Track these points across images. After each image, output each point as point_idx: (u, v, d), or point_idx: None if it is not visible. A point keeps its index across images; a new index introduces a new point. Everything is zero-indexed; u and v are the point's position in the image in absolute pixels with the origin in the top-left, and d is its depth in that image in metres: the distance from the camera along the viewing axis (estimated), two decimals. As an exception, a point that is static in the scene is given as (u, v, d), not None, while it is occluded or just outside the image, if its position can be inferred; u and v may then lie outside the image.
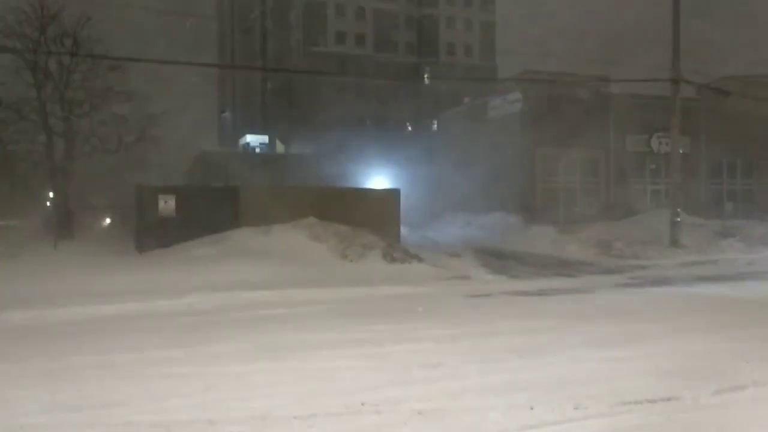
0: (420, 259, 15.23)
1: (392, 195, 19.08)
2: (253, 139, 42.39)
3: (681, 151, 22.22)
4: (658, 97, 24.00)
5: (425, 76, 48.23)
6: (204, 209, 15.31)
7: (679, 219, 20.66)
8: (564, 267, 16.51)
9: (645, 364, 5.98)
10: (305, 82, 44.29)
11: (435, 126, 40.30)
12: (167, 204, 15.08)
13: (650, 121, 26.06)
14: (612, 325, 8.12)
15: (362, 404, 4.71)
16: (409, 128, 48.55)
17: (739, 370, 5.69)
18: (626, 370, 5.81)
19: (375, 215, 16.71)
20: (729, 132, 26.57)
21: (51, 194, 21.74)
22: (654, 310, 9.72)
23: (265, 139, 42.49)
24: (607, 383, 5.30)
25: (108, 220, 26.13)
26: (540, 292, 11.85)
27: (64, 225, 19.08)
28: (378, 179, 30.48)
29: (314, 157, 33.28)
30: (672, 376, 5.54)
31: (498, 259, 17.51)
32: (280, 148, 41.95)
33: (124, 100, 20.88)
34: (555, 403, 4.72)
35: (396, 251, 15.22)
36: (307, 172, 27.75)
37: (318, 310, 9.72)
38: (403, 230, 18.37)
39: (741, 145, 27.23)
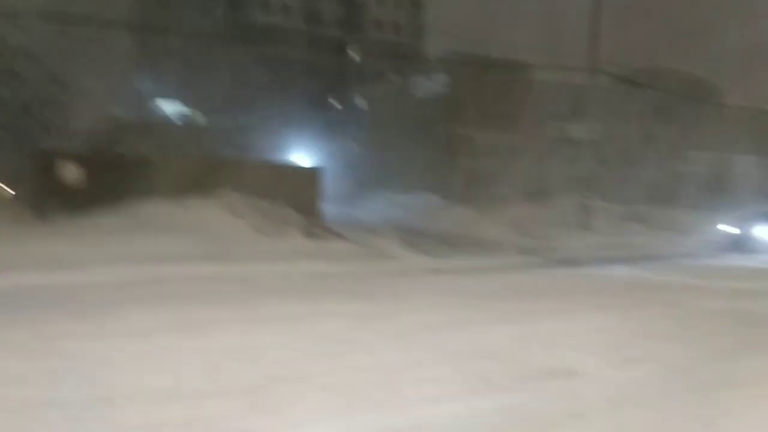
0: (341, 237, 15.13)
1: (314, 171, 18.83)
2: (171, 108, 40.52)
3: (595, 138, 23.26)
4: (577, 85, 24.92)
5: (351, 52, 47.73)
6: (114, 179, 14.45)
7: (590, 203, 21.70)
8: (482, 247, 16.93)
9: (549, 340, 6.20)
10: (228, 52, 42.65)
11: (360, 103, 40.09)
12: (72, 171, 14.13)
13: (568, 107, 27.05)
14: (523, 303, 8.39)
15: (270, 379, 4.59)
16: (335, 104, 48.04)
17: (633, 346, 6.01)
18: (534, 345, 5.99)
19: (296, 191, 16.41)
20: (637, 120, 28.07)
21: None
22: (563, 289, 10.12)
23: (183, 108, 40.73)
24: (516, 358, 5.44)
25: (8, 189, 24.22)
26: (458, 271, 12.08)
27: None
28: (301, 155, 30.02)
29: (235, 130, 32.28)
30: (574, 351, 5.76)
31: (419, 238, 17.70)
32: (199, 118, 40.37)
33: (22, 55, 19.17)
34: (464, 378, 4.79)
35: (317, 228, 15.05)
36: (228, 145, 26.89)
37: (231, 286, 9.45)
38: (325, 207, 18.20)
39: (648, 132, 28.84)
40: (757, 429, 3.94)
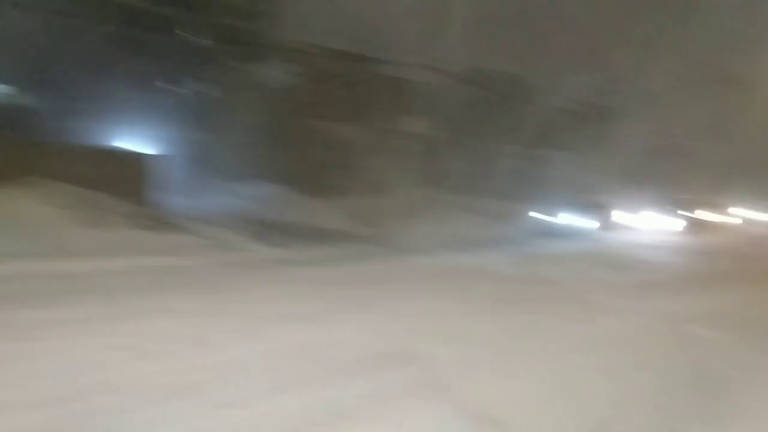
0: (178, 228, 14.33)
1: (148, 158, 17.58)
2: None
3: (432, 133, 24.54)
4: (419, 80, 26.03)
5: (196, 35, 45.04)
6: None
7: (426, 194, 22.91)
8: (326, 237, 17.08)
9: (398, 324, 6.46)
10: (54, 28, 38.07)
11: (205, 89, 38.03)
12: None
13: (410, 101, 28.16)
14: (365, 290, 8.62)
15: (85, 388, 4.25)
16: (177, 89, 45.07)
17: (459, 326, 6.49)
18: (377, 330, 6.19)
19: (126, 179, 15.21)
20: (466, 116, 30.10)
21: None
22: (400, 276, 10.57)
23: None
24: (359, 343, 5.59)
25: None
26: (302, 261, 12.06)
27: None
28: (135, 141, 27.83)
29: (59, 111, 29.00)
30: (417, 334, 6.07)
31: (264, 228, 17.38)
32: (15, 98, 35.54)
33: None
34: (299, 368, 4.82)
35: (150, 219, 14.10)
36: (49, 127, 24.04)
37: (47, 285, 8.51)
38: (162, 197, 17.12)
39: (476, 127, 31.08)
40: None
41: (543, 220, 21.01)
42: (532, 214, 21.90)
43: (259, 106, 26.95)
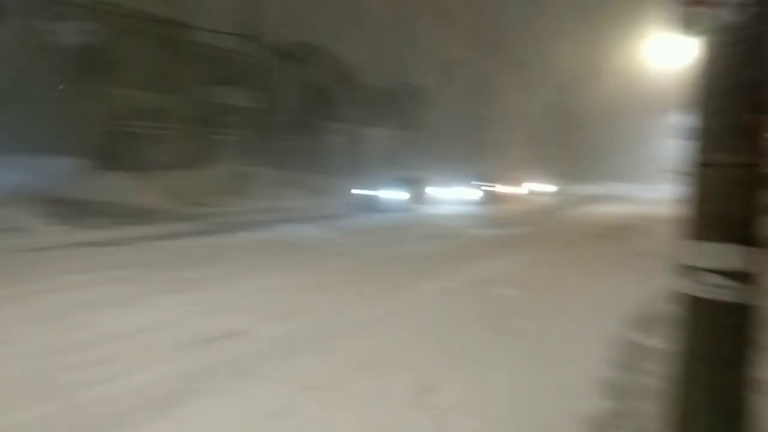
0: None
1: None
2: None
3: (256, 105, 24.00)
4: (238, 51, 25.12)
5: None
6: None
7: (249, 169, 22.46)
8: (139, 215, 16.04)
9: (219, 304, 6.38)
10: None
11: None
12: None
13: (229, 72, 27.10)
14: (186, 271, 8.30)
15: None
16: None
17: (300, 300, 6.61)
18: (208, 312, 6.07)
19: None
20: (294, 91, 29.94)
21: None
22: (225, 254, 10.34)
23: None
24: (175, 328, 5.44)
25: None
26: (113, 242, 11.21)
27: None
28: None
29: None
30: (243, 312, 6.06)
31: (64, 207, 15.75)
32: None
33: None
34: (116, 357, 4.61)
35: None
36: None
37: None
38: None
39: (302, 104, 31.03)
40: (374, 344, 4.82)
41: (364, 194, 21.86)
42: (354, 189, 22.64)
43: (54, 69, 24.06)
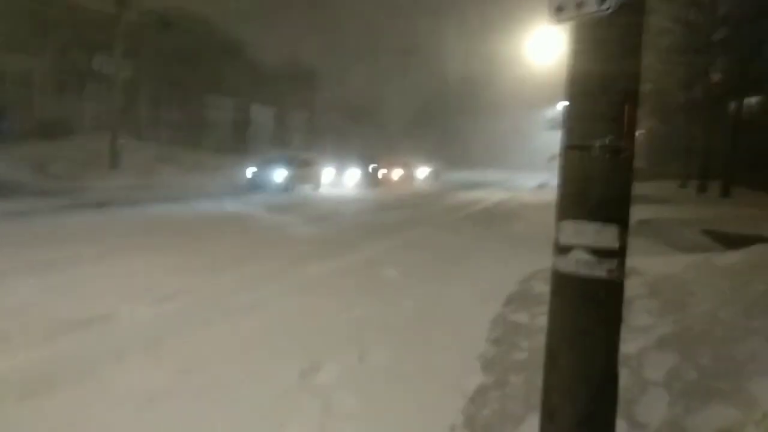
0: None
1: None
2: None
3: (124, 74, 22.35)
4: (103, 13, 23.17)
5: None
6: None
7: (120, 142, 20.95)
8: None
9: (85, 287, 5.90)
10: None
11: None
12: None
13: (94, 37, 24.99)
14: (48, 251, 7.62)
15: None
16: None
17: (171, 283, 6.27)
18: (74, 294, 5.59)
19: None
20: (170, 61, 28.21)
21: None
22: (95, 232, 9.63)
23: None
24: (41, 311, 4.99)
25: None
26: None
27: None
28: None
29: None
30: (111, 294, 5.65)
31: None
32: None
33: None
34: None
35: None
36: None
37: None
38: None
39: (179, 75, 29.36)
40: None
41: (249, 173, 21.26)
42: (237, 167, 21.92)
43: None
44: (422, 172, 37.61)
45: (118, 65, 21.39)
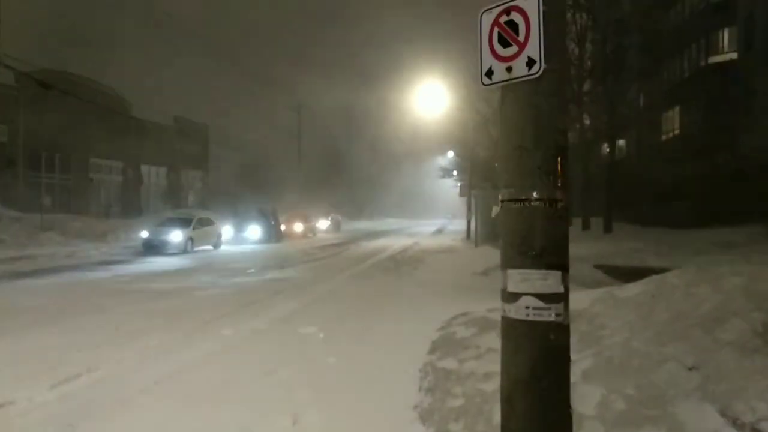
0: None
1: None
2: None
3: (1, 139, 20.77)
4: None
5: None
6: None
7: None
8: None
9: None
10: None
11: None
12: None
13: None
14: None
15: None
16: None
17: (71, 360, 5.76)
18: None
19: None
20: (50, 125, 26.58)
21: None
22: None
23: None
24: None
25: None
26: None
27: None
28: None
29: None
30: (3, 379, 5.10)
31: None
32: None
33: None
34: None
35: None
36: None
37: None
38: None
39: (61, 139, 27.70)
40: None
41: (142, 237, 20.22)
42: (129, 231, 20.80)
43: None
44: (323, 223, 37.61)
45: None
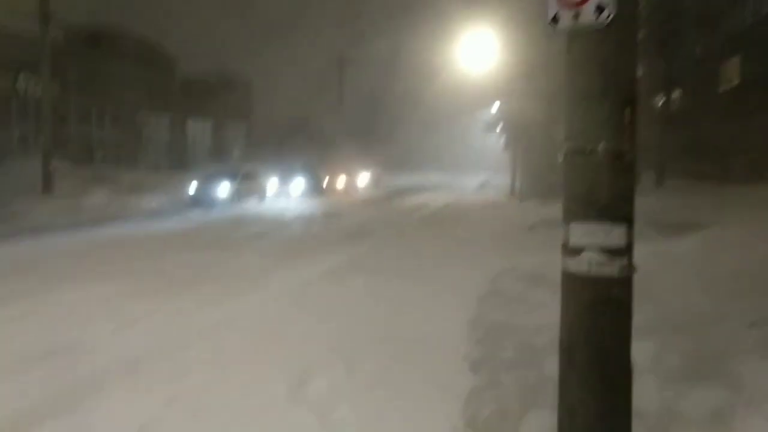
0: None
1: None
2: None
3: (52, 95, 21.36)
4: (27, 32, 22.09)
5: None
6: None
7: (52, 166, 19.98)
8: None
9: (40, 318, 5.62)
10: None
11: None
12: None
13: (16, 57, 23.78)
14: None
15: None
16: None
17: (131, 306, 6.04)
18: (30, 327, 5.31)
19: None
20: (99, 81, 27.18)
21: None
22: (37, 260, 9.15)
23: None
24: (1, 345, 4.72)
25: None
26: None
27: None
28: None
29: None
30: (69, 324, 5.40)
31: None
32: None
33: None
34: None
35: None
36: None
37: None
38: None
39: (110, 94, 28.33)
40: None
41: (189, 190, 20.70)
42: (177, 184, 21.31)
43: None
44: (364, 178, 37.70)
45: (45, 86, 20.43)
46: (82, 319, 5.65)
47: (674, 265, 5.22)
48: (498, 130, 30.49)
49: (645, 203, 14.28)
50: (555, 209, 2.34)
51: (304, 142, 45.24)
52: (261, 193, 23.23)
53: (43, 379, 4.06)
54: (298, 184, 26.79)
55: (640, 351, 3.54)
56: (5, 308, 5.96)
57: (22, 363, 4.34)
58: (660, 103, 22.71)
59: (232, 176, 21.59)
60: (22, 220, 14.81)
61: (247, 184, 22.26)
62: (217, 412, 3.52)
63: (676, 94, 24.38)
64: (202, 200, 19.96)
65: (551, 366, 2.95)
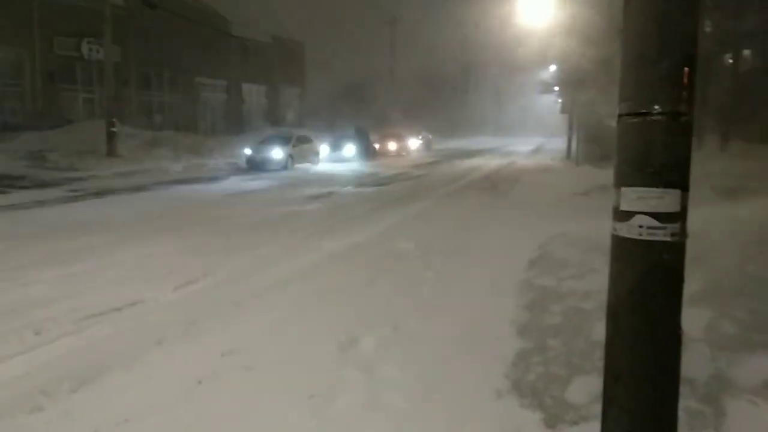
0: None
1: None
2: None
3: (114, 59, 22.00)
4: (86, 2, 22.73)
5: None
6: None
7: (115, 129, 20.74)
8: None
9: (105, 275, 5.93)
10: None
11: None
12: None
13: (79, 24, 24.50)
14: (63, 241, 7.63)
15: None
16: None
17: (190, 266, 6.30)
18: (96, 283, 5.62)
19: None
20: (158, 45, 27.77)
21: None
22: (103, 220, 9.61)
23: None
24: (68, 300, 5.02)
25: None
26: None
27: None
28: None
29: None
30: (133, 281, 5.68)
31: None
32: None
33: None
34: (11, 335, 4.18)
35: None
36: None
37: None
38: None
39: (168, 59, 28.92)
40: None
41: (245, 153, 21.12)
42: (233, 148, 21.76)
43: None
44: (415, 142, 37.37)
45: (107, 51, 21.05)
46: (146, 275, 5.93)
47: (733, 230, 5.02)
48: (555, 90, 29.50)
49: (707, 167, 13.67)
50: (611, 175, 2.28)
51: (357, 107, 45.16)
52: (314, 157, 23.45)
53: (106, 335, 4.31)
54: (350, 148, 26.86)
55: (694, 318, 3.47)
56: (75, 264, 6.33)
57: (90, 318, 4.62)
58: (728, 63, 21.43)
59: (287, 140, 21.85)
60: (88, 182, 15.51)
61: (302, 148, 22.50)
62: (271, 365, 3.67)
63: (746, 52, 22.96)
64: (258, 163, 20.34)
65: (599, 331, 2.92)
